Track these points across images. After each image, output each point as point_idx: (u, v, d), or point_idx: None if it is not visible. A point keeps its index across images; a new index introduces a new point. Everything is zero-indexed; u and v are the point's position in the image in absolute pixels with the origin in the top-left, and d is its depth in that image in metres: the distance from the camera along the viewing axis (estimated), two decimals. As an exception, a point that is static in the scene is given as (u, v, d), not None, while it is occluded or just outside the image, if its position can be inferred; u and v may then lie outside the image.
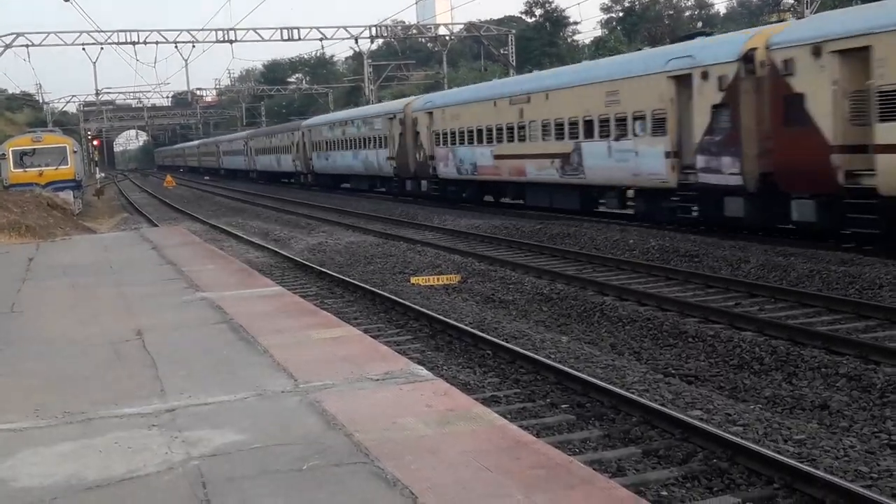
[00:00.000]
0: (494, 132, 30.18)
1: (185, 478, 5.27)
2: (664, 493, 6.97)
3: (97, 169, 75.57)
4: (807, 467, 6.92)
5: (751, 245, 19.21)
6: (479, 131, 31.43)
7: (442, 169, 35.51)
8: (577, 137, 24.68)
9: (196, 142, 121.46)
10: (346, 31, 59.90)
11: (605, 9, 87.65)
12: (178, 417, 6.42)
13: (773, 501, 6.69)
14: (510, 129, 29.09)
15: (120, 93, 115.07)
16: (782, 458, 7.13)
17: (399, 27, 68.28)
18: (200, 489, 5.08)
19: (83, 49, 56.07)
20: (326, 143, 52.81)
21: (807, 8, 46.80)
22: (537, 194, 28.93)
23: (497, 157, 30.14)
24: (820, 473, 6.78)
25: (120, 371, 7.93)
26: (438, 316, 13.51)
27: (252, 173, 79.50)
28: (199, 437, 5.95)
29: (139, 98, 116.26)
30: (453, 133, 34.00)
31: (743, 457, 7.29)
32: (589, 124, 23.98)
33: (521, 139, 28.46)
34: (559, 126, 25.81)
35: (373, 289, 16.32)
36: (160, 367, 7.92)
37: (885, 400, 9.11)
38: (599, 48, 71.39)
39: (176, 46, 56.91)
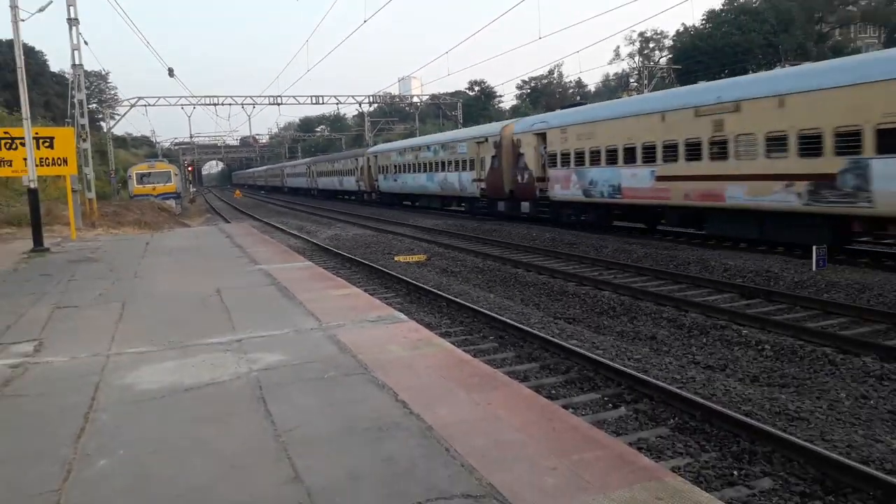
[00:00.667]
0: (659, 150, 17.75)
1: (248, 383, 5.23)
2: (553, 391, 7.03)
3: (191, 185, 74.53)
4: (642, 375, 7.01)
5: (608, 237, 19.37)
6: (630, 150, 18.99)
7: (558, 191, 22.86)
8: (855, 153, 12.75)
9: (264, 167, 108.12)
10: (353, 98, 59.26)
11: (519, 87, 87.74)
12: (243, 345, 6.36)
13: (620, 397, 6.77)
14: (693, 145, 16.77)
15: (206, 136, 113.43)
16: (627, 369, 7.22)
17: (387, 96, 67.68)
18: (258, 390, 5.04)
19: (182, 108, 55.31)
20: (395, 166, 39.60)
21: (645, 89, 47.14)
22: (739, 223, 15.91)
23: (662, 178, 17.70)
24: (650, 379, 6.88)
25: (205, 315, 7.83)
26: (412, 281, 13.46)
27: (313, 191, 65.56)
28: (257, 357, 5.90)
29: (217, 140, 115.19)
30: (579, 153, 21.38)
31: (603, 369, 7.37)
32: (889, 134, 12.16)
33: (718, 156, 16.10)
34: (810, 139, 13.63)
35: (370, 263, 16.21)
36: (232, 313, 7.83)
37: (691, 334, 9.25)
38: (515, 112, 71.47)
39: (242, 106, 56.03)
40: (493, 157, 27.45)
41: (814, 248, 12.61)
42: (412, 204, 39.93)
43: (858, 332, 8.80)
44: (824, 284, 11.37)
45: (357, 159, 47.99)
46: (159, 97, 53.18)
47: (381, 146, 46.48)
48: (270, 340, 6.47)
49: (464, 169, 30.35)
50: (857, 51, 52.59)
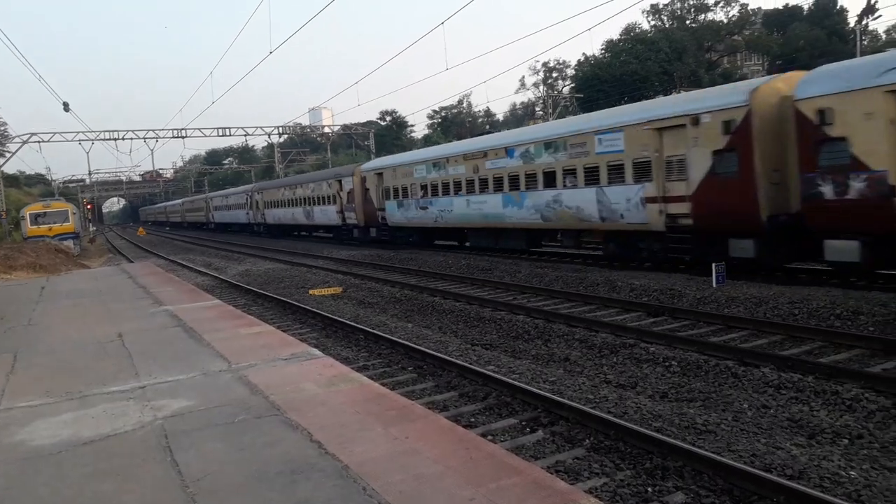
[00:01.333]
0: None
1: (153, 432, 5.00)
2: (472, 419, 7.04)
3: (90, 224, 71.36)
4: (557, 398, 7.13)
5: (521, 262, 19.73)
6: None
7: None
8: None
9: (180, 199, 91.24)
10: (262, 129, 58.50)
11: (430, 117, 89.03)
12: (147, 392, 6.08)
13: (538, 420, 6.86)
14: None
15: (106, 172, 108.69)
16: (543, 392, 7.33)
17: (298, 127, 67.16)
18: (164, 439, 4.83)
19: (79, 143, 53.02)
20: (424, 186, 25.67)
21: (549, 117, 48.74)
22: None
23: None
24: (565, 401, 7.00)
25: (106, 362, 7.45)
26: (328, 314, 13.26)
27: (257, 227, 50.60)
28: (163, 404, 5.65)
29: (118, 175, 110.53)
30: None
31: (520, 393, 7.44)
32: None
33: None
34: None
35: (283, 299, 15.87)
36: (135, 358, 7.48)
37: (602, 354, 9.50)
38: (427, 141, 72.37)
39: (144, 140, 54.25)
40: (717, 152, 13.81)
41: (713, 265, 13.26)
42: (453, 243, 26.83)
43: (757, 344, 9.29)
44: (724, 300, 11.96)
45: (340, 182, 33.80)
46: (54, 133, 50.94)
47: (390, 158, 31.80)
48: (176, 385, 6.21)
49: (616, 180, 16.45)
50: (744, 77, 56.40)
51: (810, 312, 10.54)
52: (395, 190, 28.10)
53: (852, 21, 60.29)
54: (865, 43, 54.95)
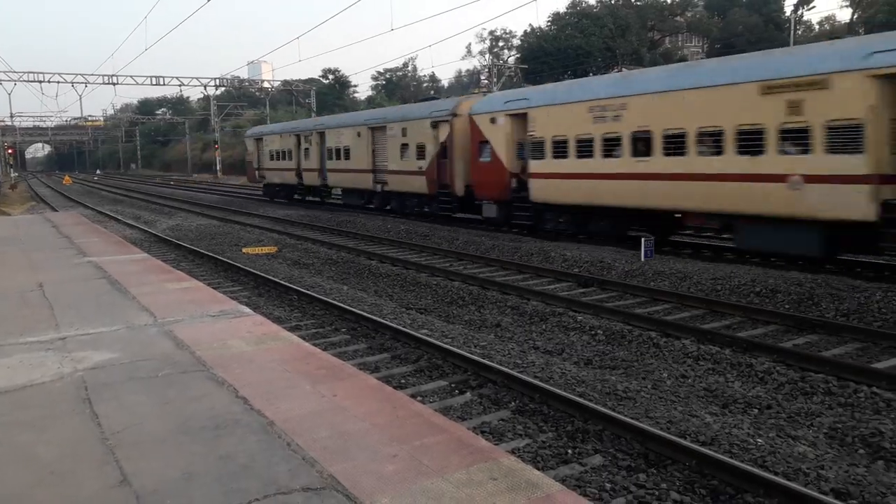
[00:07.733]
0: None
1: (72, 384, 4.85)
2: (403, 381, 7.10)
3: (11, 170, 67.82)
4: (486, 361, 7.25)
5: (460, 230, 19.79)
6: None
7: None
8: None
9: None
10: (198, 80, 56.49)
11: (374, 78, 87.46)
12: (67, 343, 5.88)
13: (466, 383, 6.97)
14: None
15: (30, 116, 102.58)
16: (473, 356, 7.44)
17: (236, 80, 65.08)
18: (84, 391, 4.69)
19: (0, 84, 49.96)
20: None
21: (494, 87, 48.66)
22: None
23: None
24: (494, 364, 7.13)
25: (25, 312, 7.15)
26: (261, 273, 13.05)
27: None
28: (83, 356, 5.48)
29: (43, 121, 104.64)
30: None
31: (451, 357, 7.54)
32: None
33: None
34: None
35: (214, 255, 15.50)
36: (55, 309, 7.20)
37: (532, 321, 9.68)
38: (370, 102, 71.24)
39: (72, 85, 51.64)
40: None
41: (642, 239, 13.63)
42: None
43: (680, 317, 9.64)
44: (651, 273, 12.32)
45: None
46: (-30, 71, 47.79)
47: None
48: (98, 338, 6.02)
49: None
50: (684, 58, 57.55)
51: (732, 289, 10.98)
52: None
53: (788, 10, 62.10)
54: (800, 32, 56.74)
